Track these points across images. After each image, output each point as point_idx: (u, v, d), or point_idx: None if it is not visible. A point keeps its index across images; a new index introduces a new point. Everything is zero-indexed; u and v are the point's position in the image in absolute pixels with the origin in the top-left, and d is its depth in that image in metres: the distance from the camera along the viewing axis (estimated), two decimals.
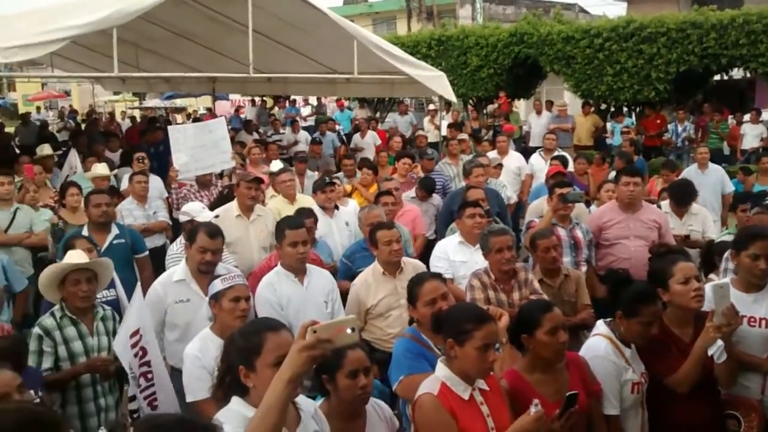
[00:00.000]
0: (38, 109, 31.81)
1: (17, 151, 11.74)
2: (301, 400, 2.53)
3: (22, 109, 27.65)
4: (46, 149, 9.52)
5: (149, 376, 3.90)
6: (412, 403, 2.95)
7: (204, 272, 4.33)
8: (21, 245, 6.44)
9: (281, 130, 15.11)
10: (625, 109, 17.27)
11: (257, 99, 20.98)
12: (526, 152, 11.49)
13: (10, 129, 16.69)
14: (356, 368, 2.89)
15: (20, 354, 3.55)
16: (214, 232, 4.45)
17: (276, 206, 6.64)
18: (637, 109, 16.96)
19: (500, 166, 9.18)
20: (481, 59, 18.32)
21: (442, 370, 2.87)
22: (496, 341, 2.95)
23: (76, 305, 4.04)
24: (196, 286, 4.35)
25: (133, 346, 3.85)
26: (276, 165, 7.88)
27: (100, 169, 8.02)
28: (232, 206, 6.04)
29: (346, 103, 21.48)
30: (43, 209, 7.02)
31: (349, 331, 2.12)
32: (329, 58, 11.52)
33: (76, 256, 4.21)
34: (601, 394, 3.29)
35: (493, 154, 9.59)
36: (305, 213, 5.68)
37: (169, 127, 9.43)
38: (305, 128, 16.00)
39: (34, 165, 8.06)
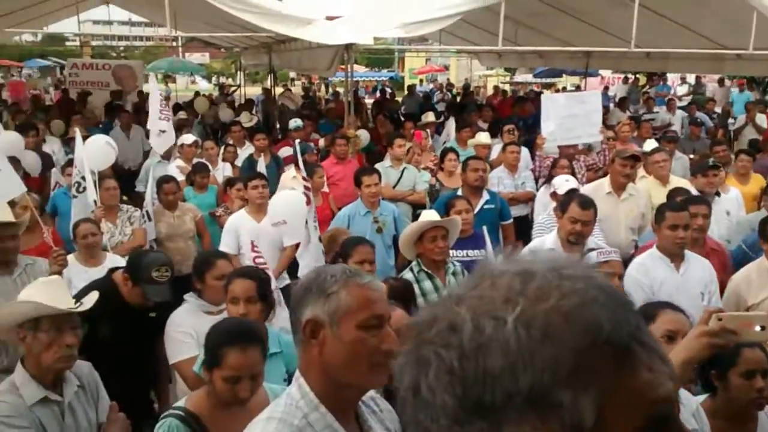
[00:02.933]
0: (421, 81, 34.93)
1: (402, 118, 13.10)
2: (684, 394, 2.40)
3: (408, 82, 30.70)
4: (430, 116, 10.55)
5: None
6: None
7: (573, 243, 4.35)
8: (404, 201, 7.20)
9: (655, 109, 14.32)
10: None
11: (630, 76, 20.16)
12: None
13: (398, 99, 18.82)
14: (754, 368, 2.63)
15: (409, 298, 3.91)
16: (587, 203, 4.43)
17: (646, 187, 6.32)
18: None
19: None
20: None
21: None
22: None
23: (433, 259, 4.37)
24: None
25: None
26: (650, 144, 7.52)
27: (483, 137, 8.42)
28: (604, 182, 5.92)
29: (728, 83, 19.50)
30: (424, 171, 7.74)
31: (757, 328, 1.94)
32: (718, 32, 10.48)
33: (431, 215, 4.56)
34: None
35: None
36: (680, 192, 5.34)
37: (542, 95, 9.56)
38: (681, 108, 14.93)
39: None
